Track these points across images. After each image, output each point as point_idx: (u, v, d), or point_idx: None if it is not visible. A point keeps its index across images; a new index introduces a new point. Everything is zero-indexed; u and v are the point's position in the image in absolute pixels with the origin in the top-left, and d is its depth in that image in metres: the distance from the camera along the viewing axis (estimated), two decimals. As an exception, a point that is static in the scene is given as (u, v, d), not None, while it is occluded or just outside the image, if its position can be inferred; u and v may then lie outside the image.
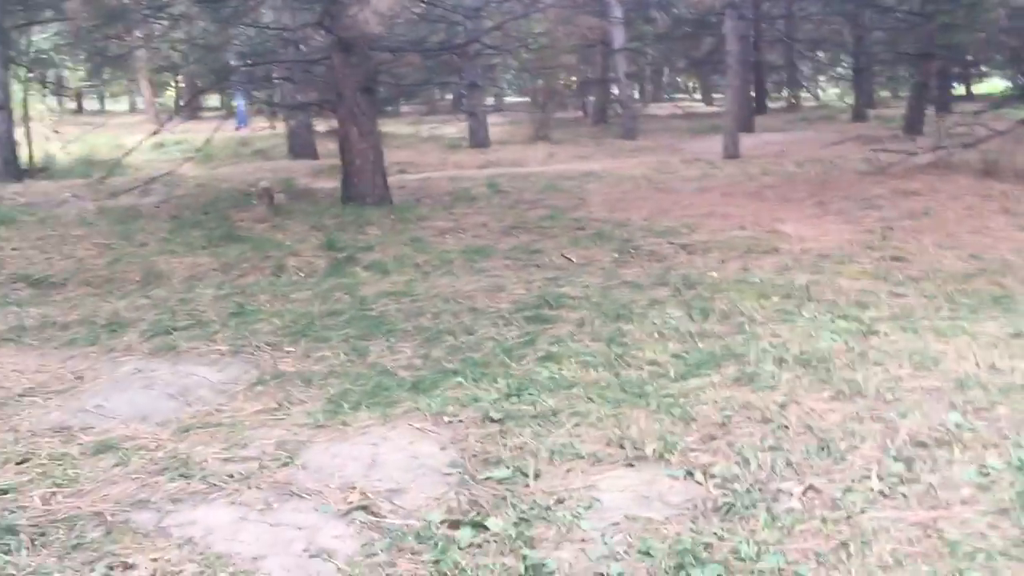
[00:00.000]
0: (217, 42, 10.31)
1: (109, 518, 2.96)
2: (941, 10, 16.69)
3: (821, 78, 34.26)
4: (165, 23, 10.06)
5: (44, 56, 20.43)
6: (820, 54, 29.53)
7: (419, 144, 20.15)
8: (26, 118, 15.32)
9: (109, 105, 42.67)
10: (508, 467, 3.27)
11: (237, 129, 22.34)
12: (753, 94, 24.52)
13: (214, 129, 11.77)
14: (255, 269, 7.13)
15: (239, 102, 19.84)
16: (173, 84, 36.15)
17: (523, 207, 10.01)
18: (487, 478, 3.20)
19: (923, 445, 3.33)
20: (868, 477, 3.08)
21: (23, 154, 14.61)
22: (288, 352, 4.90)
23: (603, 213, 9.47)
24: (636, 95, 30.27)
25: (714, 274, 6.47)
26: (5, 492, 3.16)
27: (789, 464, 3.21)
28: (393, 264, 7.12)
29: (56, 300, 6.36)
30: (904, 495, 2.97)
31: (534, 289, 6.13)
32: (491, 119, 21.69)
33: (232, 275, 6.98)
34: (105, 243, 8.20)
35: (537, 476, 3.19)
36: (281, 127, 16.90)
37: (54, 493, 3.14)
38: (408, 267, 7.04)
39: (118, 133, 22.53)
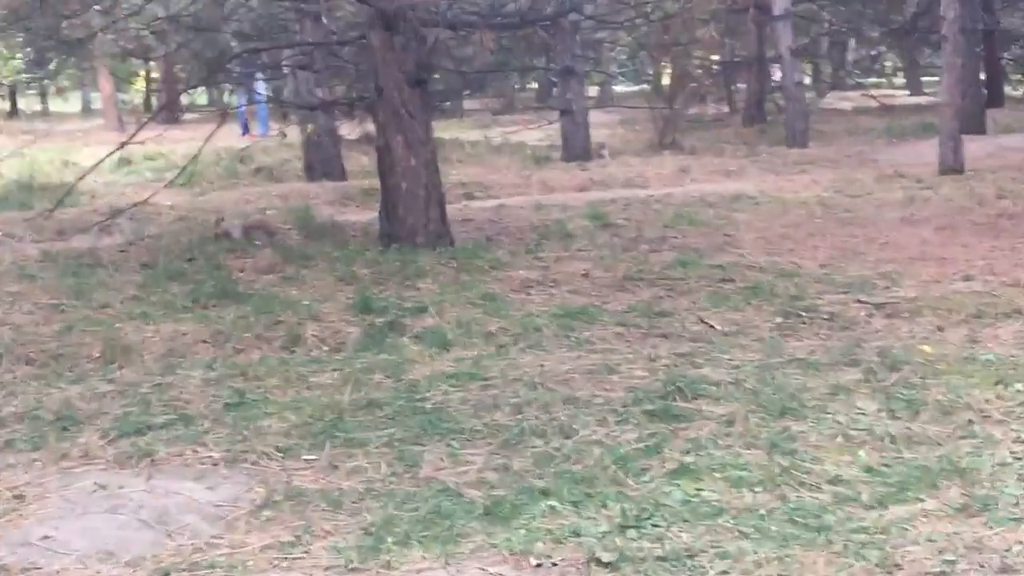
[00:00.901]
0: (210, 18, 10.49)
1: None
2: None
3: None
4: (137, -7, 10.46)
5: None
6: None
7: (490, 156, 20.30)
8: (-63, 125, 15.84)
9: (54, 105, 44.04)
10: (625, 635, 3.23)
11: (243, 135, 22.72)
12: (983, 78, 24.20)
13: (207, 137, 11.97)
14: (260, 340, 7.21)
15: (256, 97, 19.94)
16: (143, 76, 37.23)
17: (642, 248, 10.02)
18: (594, 651, 3.16)
19: None
20: None
21: (-69, 176, 14.98)
22: (308, 461, 4.99)
23: (760, 257, 9.51)
24: (807, 82, 30.09)
25: (927, 348, 6.40)
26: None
27: (1042, 636, 3.12)
28: (455, 333, 7.16)
29: (-16, 385, 6.43)
30: None
31: (659, 370, 6.15)
32: (594, 118, 21.69)
33: (227, 349, 7.07)
34: (52, 303, 8.31)
35: (667, 649, 3.17)
36: (294, 135, 17.17)
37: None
38: (476, 337, 7.10)
39: (67, 145, 23.18)
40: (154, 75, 39.10)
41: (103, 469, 5.00)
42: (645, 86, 29.54)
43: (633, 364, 6.32)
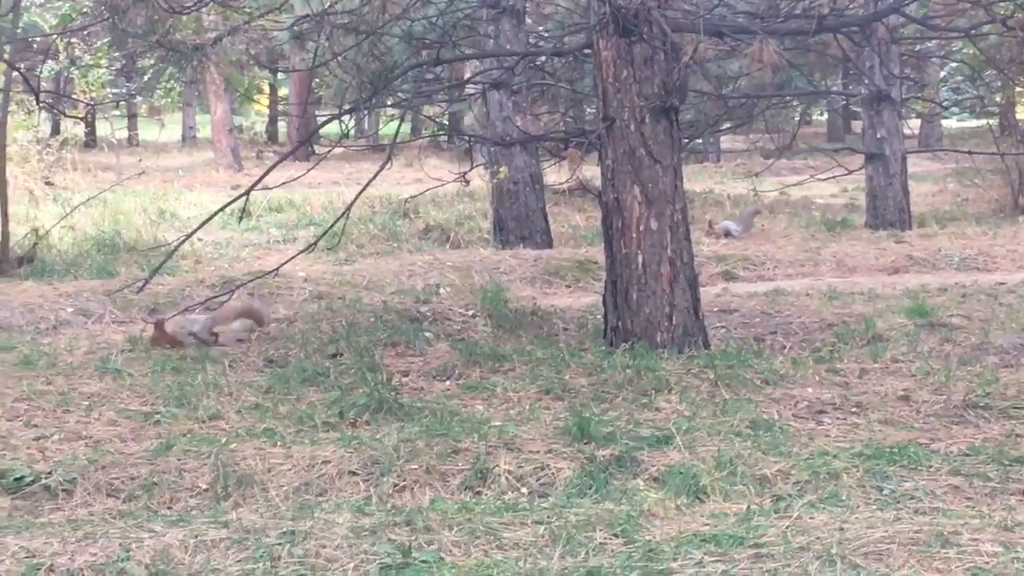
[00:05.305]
0: (370, 18, 9.65)
1: None
2: None
3: None
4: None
5: (32, 42, 19.84)
6: None
7: (760, 218, 19.64)
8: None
9: (146, 132, 41.84)
10: None
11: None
12: None
13: (367, 182, 10.96)
14: (431, 475, 6.72)
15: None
16: (266, 92, 34.11)
17: (989, 361, 9.20)
18: None
19: None
20: None
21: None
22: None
23: None
24: None
25: None
26: None
27: None
28: (712, 476, 6.59)
29: (53, 522, 6.05)
30: None
31: (1018, 545, 5.22)
32: (914, 167, 20.53)
33: (385, 485, 6.59)
34: (143, 410, 8.04)
35: None
36: (478, 182, 16.58)
37: None
38: (744, 484, 6.53)
39: (163, 188, 22.79)
40: (281, 92, 36.20)
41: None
42: (990, 122, 26.41)
43: (978, 533, 5.42)
